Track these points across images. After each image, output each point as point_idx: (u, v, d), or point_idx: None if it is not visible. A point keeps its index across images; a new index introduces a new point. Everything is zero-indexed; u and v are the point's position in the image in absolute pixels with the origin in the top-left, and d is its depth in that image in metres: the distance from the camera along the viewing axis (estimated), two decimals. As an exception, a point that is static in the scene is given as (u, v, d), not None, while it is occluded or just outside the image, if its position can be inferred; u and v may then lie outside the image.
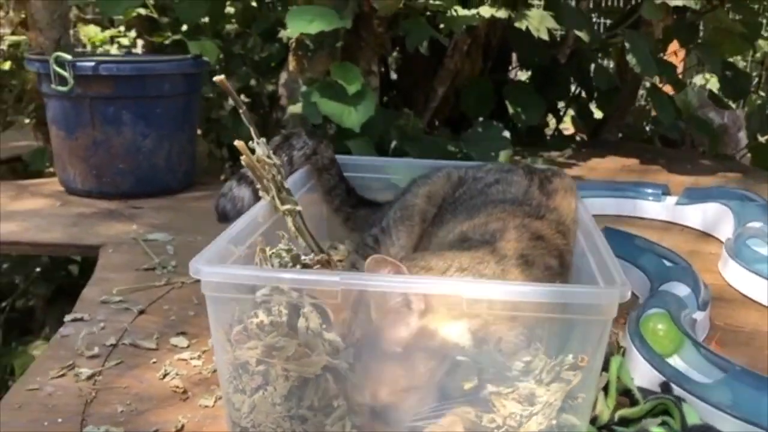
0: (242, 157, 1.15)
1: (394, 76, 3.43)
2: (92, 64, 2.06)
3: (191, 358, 1.23)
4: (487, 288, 0.87)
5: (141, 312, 1.41)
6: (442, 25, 2.54)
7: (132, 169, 2.20)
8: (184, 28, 2.68)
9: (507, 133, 2.77)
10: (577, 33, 2.85)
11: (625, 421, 1.02)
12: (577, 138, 3.73)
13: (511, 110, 3.13)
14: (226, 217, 1.41)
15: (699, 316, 1.35)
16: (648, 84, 3.48)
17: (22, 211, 2.05)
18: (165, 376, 1.18)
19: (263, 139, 1.21)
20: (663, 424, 0.99)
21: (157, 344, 1.28)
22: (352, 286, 0.87)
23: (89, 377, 1.16)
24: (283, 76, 2.79)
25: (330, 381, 0.91)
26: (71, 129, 2.16)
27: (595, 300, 0.83)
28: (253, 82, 2.76)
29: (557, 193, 1.24)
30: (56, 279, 2.62)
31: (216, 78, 1.15)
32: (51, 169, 2.51)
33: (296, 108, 2.66)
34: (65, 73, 2.04)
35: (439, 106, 3.13)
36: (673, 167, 2.94)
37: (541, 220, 1.15)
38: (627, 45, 2.74)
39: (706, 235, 2.03)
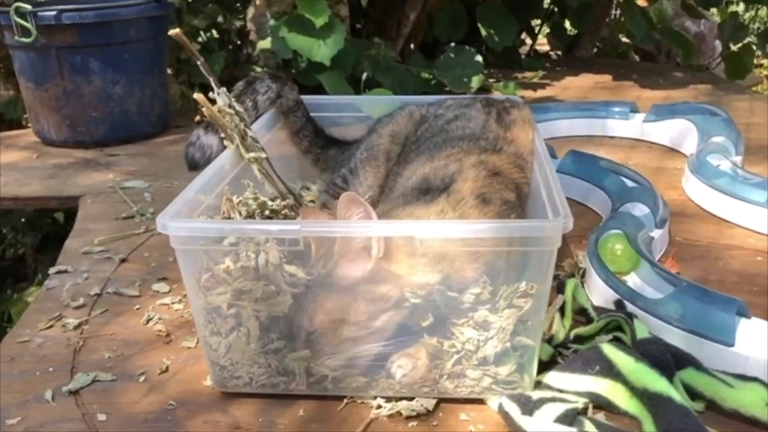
0: (203, 109, 1.17)
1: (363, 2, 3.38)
2: (54, 13, 2.04)
3: (173, 303, 1.29)
4: (439, 228, 0.92)
5: (122, 260, 1.46)
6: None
7: (105, 116, 2.21)
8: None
9: (479, 58, 2.76)
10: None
11: (579, 339, 1.09)
12: (553, 56, 3.73)
13: (483, 32, 3.11)
14: (195, 165, 1.45)
15: (656, 233, 1.41)
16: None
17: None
18: (148, 321, 1.24)
19: (224, 89, 1.23)
20: (615, 339, 1.06)
21: (139, 291, 1.34)
22: (312, 234, 0.92)
23: (76, 327, 1.22)
24: (251, 11, 2.75)
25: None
26: (40, 80, 2.16)
27: (538, 233, 0.89)
28: (220, 18, 2.73)
29: (515, 125, 1.28)
30: (42, 227, 2.66)
31: (171, 32, 1.16)
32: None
33: (265, 43, 2.64)
34: (27, 24, 2.02)
35: (412, 32, 3.11)
36: (646, 82, 2.96)
37: (498, 154, 1.19)
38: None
39: (672, 151, 2.08)
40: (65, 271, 1.42)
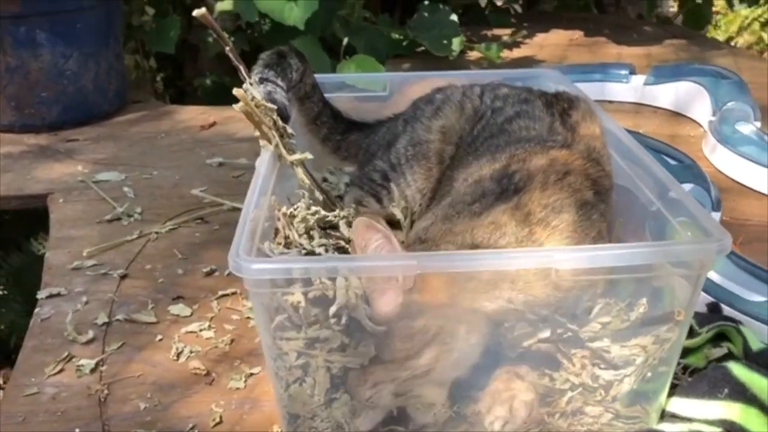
0: (237, 105, 0.97)
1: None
2: (-9, -23, 1.74)
3: (201, 330, 1.11)
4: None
5: (123, 277, 1.26)
6: None
7: (57, 95, 1.94)
8: None
9: (455, 17, 2.59)
10: None
11: (685, 352, 0.98)
12: (512, 11, 3.59)
13: (449, -13, 2.93)
14: (287, 114, 1.17)
15: (716, 216, 1.32)
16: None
17: (-62, 158, 1.79)
18: (178, 355, 1.06)
19: (256, 78, 1.04)
20: (729, 355, 0.96)
21: (155, 316, 1.15)
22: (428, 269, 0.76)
23: (93, 369, 1.03)
24: (205, -31, 2.49)
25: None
26: (-24, 57, 1.86)
27: (693, 256, 0.76)
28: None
29: (579, 125, 1.13)
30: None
31: (196, 12, 0.95)
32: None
33: (226, 5, 2.40)
34: (-40, -8, 1.72)
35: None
36: (620, 37, 2.87)
37: (569, 150, 1.05)
38: None
39: (679, 116, 2.00)
40: (58, 295, 1.21)
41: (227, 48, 1.01)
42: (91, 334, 1.10)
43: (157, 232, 1.40)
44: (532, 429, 0.86)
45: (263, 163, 1.00)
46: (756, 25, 5.25)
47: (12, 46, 1.85)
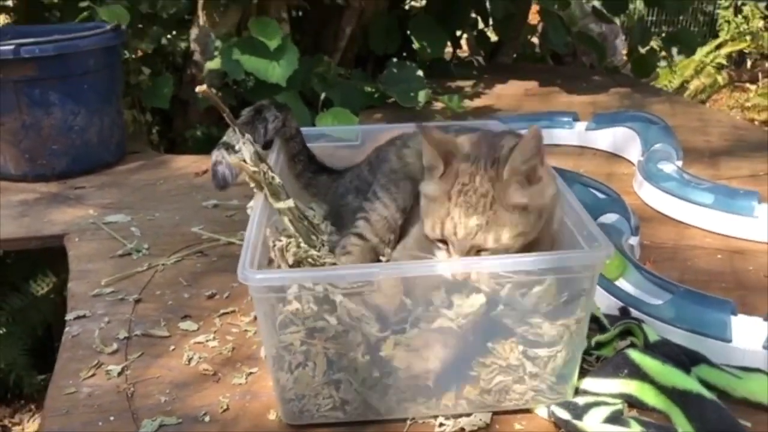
0: (232, 161, 1.22)
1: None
2: (12, 47, 1.99)
3: (207, 341, 1.34)
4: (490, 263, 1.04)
5: (137, 301, 1.49)
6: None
7: (66, 148, 2.18)
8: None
9: (420, 72, 2.89)
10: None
11: (599, 345, 1.23)
12: (475, 63, 3.91)
13: (416, 44, 3.24)
14: (226, 183, 1.43)
15: (633, 241, 1.59)
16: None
17: (-40, 205, 2.02)
18: (189, 360, 1.28)
19: (248, 137, 1.28)
20: (631, 345, 1.21)
21: (168, 331, 1.38)
22: (391, 275, 1.01)
23: (120, 373, 1.25)
24: (194, 32, 2.77)
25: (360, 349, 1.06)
26: (-4, 114, 2.11)
27: (588, 261, 1.02)
28: (164, 40, 2.72)
29: None
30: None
31: (199, 89, 1.20)
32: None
33: (214, 64, 2.67)
34: (-16, 60, 1.97)
35: (348, 45, 3.20)
36: (571, 87, 3.18)
37: None
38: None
39: (616, 157, 2.28)
40: (84, 316, 1.43)
41: (224, 113, 1.26)
42: (115, 346, 1.33)
43: (163, 264, 1.63)
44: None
45: (258, 203, 1.25)
46: (710, 69, 5.66)
47: (28, 106, 2.09)
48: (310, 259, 1.20)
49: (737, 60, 6.04)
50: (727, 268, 1.56)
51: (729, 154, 2.29)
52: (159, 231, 1.82)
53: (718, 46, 5.63)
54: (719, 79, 5.53)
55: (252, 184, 1.26)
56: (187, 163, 2.33)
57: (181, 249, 1.71)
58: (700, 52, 5.37)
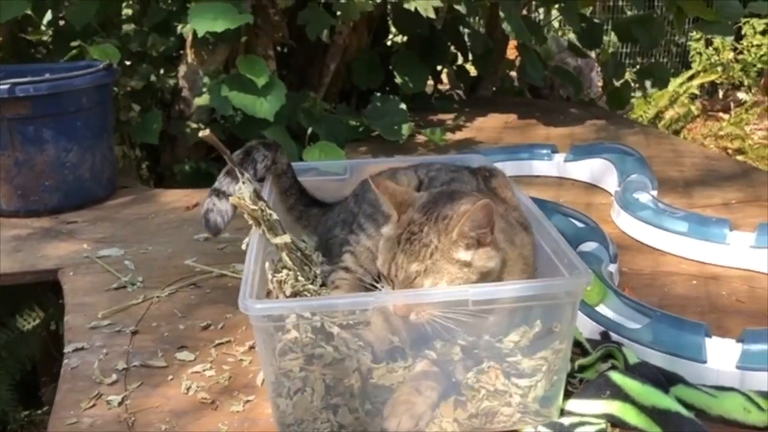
0: (232, 200, 1.29)
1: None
2: (7, 86, 2.04)
3: (204, 370, 1.38)
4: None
5: (134, 333, 1.52)
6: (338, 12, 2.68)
7: (58, 184, 2.22)
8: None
9: (403, 106, 2.98)
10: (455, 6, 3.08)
11: (582, 368, 1.29)
12: (455, 96, 4.01)
13: (399, 80, 3.33)
14: (218, 230, 1.53)
15: (612, 268, 1.66)
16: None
17: (-47, 241, 2.04)
18: (188, 390, 1.32)
19: (248, 176, 1.35)
20: (613, 367, 1.27)
21: (165, 361, 1.41)
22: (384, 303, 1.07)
23: (120, 403, 1.29)
24: (183, 69, 2.84)
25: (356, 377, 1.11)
26: (-11, 152, 2.15)
27: (569, 288, 1.08)
28: (153, 78, 2.78)
29: (498, 189, 1.46)
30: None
31: (202, 134, 1.27)
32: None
33: (203, 100, 2.74)
34: (-21, 99, 2.02)
35: (332, 81, 3.28)
36: (548, 119, 3.28)
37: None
38: (502, 14, 3.00)
39: (594, 188, 2.37)
40: (82, 348, 1.47)
41: (226, 155, 1.33)
42: (114, 377, 1.36)
43: (158, 296, 1.67)
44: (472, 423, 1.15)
45: (254, 238, 1.30)
46: (684, 99, 5.83)
47: (21, 143, 2.13)
48: (306, 293, 1.26)
49: (709, 90, 6.22)
50: (702, 293, 1.63)
51: (702, 183, 2.38)
52: (152, 264, 1.86)
53: (691, 77, 5.81)
54: (693, 108, 5.69)
55: (250, 221, 1.32)
56: (177, 197, 2.37)
57: (175, 281, 1.75)
58: (674, 83, 5.53)
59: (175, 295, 1.69)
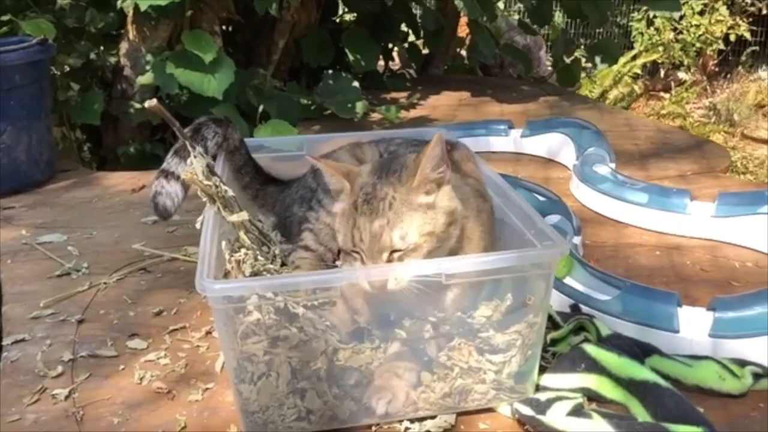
0: (184, 176, 1.20)
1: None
2: (-69, 61, 1.90)
3: (158, 359, 1.29)
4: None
5: (80, 321, 1.43)
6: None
7: (-8, 168, 2.08)
8: None
9: (356, 83, 2.90)
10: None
11: (554, 342, 1.26)
12: (407, 75, 3.95)
13: (350, 57, 3.25)
14: (168, 213, 1.44)
15: (576, 240, 1.63)
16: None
17: None
18: (141, 379, 1.24)
19: (200, 150, 1.26)
20: (585, 340, 1.24)
21: (116, 350, 1.32)
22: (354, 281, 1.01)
23: (67, 397, 1.19)
24: (124, 46, 2.71)
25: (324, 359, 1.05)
26: None
27: (544, 258, 1.04)
28: (93, 55, 2.64)
29: (461, 162, 1.41)
30: None
31: (147, 104, 1.17)
32: None
33: (146, 78, 2.61)
34: None
35: (281, 58, 3.19)
36: (502, 96, 3.26)
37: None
38: (454, -10, 2.95)
39: (551, 162, 2.35)
40: (23, 340, 1.36)
41: (175, 127, 1.24)
42: (59, 369, 1.27)
43: (105, 283, 1.57)
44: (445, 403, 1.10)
45: (209, 216, 1.22)
46: (627, 79, 5.90)
47: (-51, 123, 1.99)
48: (266, 273, 1.19)
49: (651, 70, 6.31)
50: (667, 263, 1.62)
51: (657, 156, 2.39)
52: (98, 249, 1.75)
53: (634, 57, 5.88)
54: (636, 88, 5.77)
55: (204, 198, 1.23)
56: (122, 180, 2.26)
57: (123, 267, 1.65)
58: (618, 63, 5.59)
59: (124, 281, 1.59)
